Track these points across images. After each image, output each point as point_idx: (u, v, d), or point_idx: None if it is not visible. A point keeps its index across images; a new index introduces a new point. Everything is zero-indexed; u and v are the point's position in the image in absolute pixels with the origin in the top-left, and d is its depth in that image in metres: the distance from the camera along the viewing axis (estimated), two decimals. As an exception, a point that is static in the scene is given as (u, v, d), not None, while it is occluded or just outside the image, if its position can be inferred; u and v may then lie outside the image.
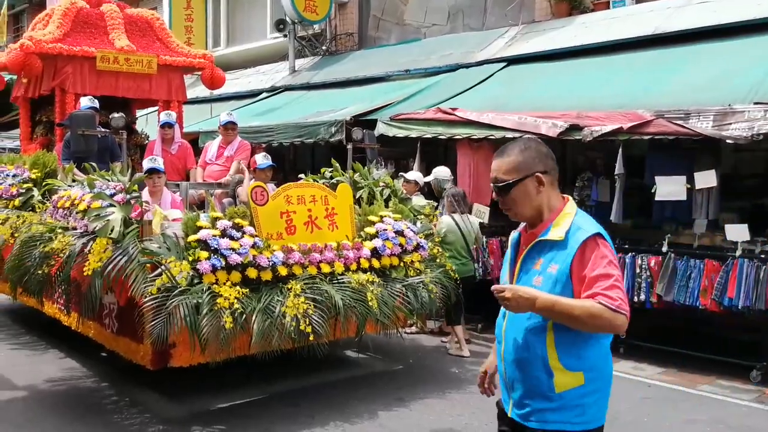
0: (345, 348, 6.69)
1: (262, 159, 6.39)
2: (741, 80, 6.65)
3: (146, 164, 6.01)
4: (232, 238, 4.66)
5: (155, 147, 7.57)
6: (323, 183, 6.30)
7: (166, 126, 7.51)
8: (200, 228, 4.66)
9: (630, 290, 6.48)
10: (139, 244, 4.63)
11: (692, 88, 6.96)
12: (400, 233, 5.49)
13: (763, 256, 5.92)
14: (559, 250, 2.22)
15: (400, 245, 5.44)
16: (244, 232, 4.76)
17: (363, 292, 4.95)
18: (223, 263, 4.53)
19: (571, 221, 2.27)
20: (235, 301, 4.40)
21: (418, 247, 5.57)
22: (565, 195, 2.38)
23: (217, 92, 11.93)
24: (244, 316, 4.41)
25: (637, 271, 6.51)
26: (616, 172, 6.66)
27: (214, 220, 4.75)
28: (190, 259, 4.51)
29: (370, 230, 5.43)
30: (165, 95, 8.33)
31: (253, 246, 4.71)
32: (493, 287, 2.21)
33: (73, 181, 5.81)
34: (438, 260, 5.80)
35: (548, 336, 2.22)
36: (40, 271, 4.96)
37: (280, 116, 10.85)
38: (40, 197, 6.39)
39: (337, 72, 12.39)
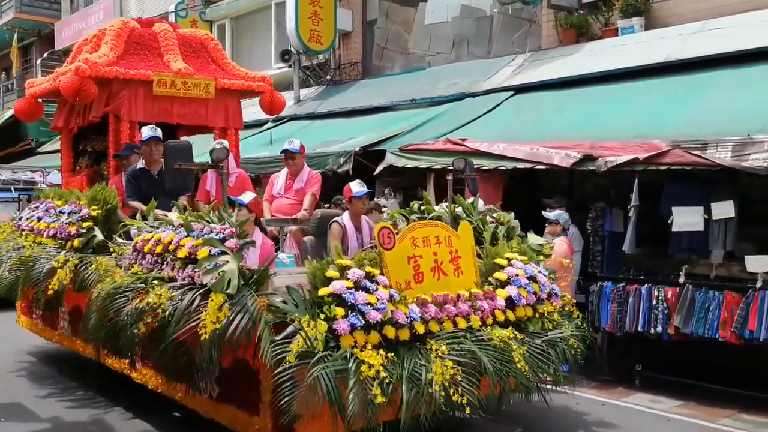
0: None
1: (358, 186, 5.66)
2: (760, 109, 6.44)
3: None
4: (366, 290, 4.00)
5: (208, 179, 6.88)
6: (415, 219, 5.68)
7: (221, 157, 6.81)
8: (330, 279, 3.99)
9: (646, 322, 6.40)
10: (257, 299, 3.96)
11: (709, 117, 6.79)
12: (532, 279, 4.84)
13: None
14: None
15: (534, 293, 4.79)
16: (377, 283, 4.09)
17: (507, 351, 4.28)
18: (362, 321, 3.86)
19: None
20: (381, 368, 3.72)
21: (551, 295, 4.92)
22: None
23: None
24: (391, 386, 3.73)
25: (654, 302, 6.36)
26: (631, 204, 6.54)
27: (343, 268, 4.08)
28: (323, 317, 3.84)
29: (501, 276, 4.77)
30: (222, 122, 7.64)
31: (390, 299, 4.04)
32: None
33: (156, 220, 5.12)
34: (567, 308, 5.15)
35: None
36: (135, 330, 4.24)
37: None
38: (103, 238, 5.71)
39: (342, 101, 12.39)
